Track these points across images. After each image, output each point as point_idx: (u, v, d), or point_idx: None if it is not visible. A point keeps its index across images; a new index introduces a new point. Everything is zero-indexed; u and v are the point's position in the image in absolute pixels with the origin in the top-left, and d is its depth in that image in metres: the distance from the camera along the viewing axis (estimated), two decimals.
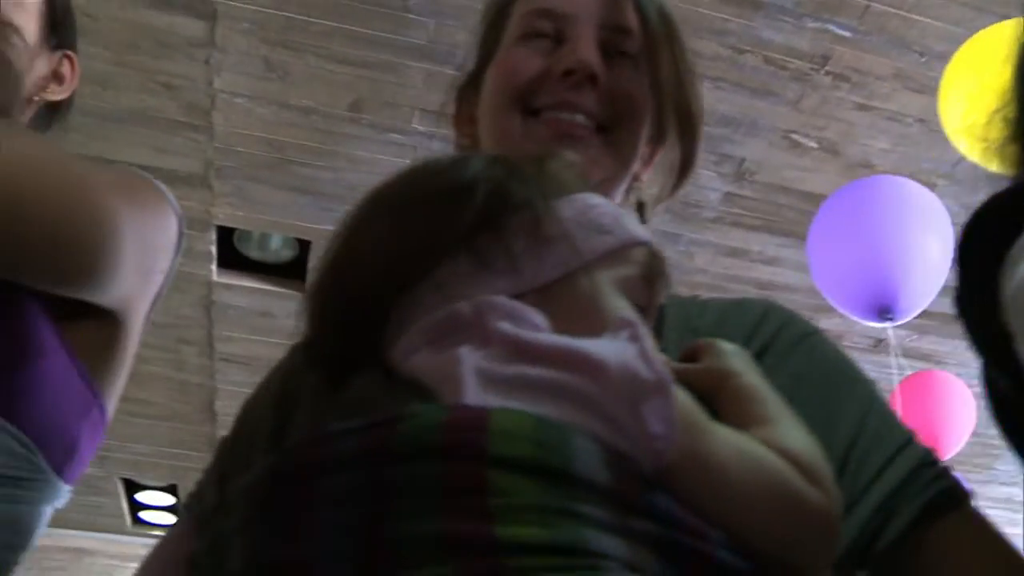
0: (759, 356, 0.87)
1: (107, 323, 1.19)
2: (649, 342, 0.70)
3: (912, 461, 0.90)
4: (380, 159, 3.83)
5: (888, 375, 4.04)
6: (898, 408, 3.65)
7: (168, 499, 6.20)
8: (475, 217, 0.77)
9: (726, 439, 0.70)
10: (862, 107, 3.60)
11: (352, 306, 0.79)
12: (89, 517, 6.23)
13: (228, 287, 4.48)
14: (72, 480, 1.20)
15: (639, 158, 1.11)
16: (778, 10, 3.29)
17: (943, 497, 0.88)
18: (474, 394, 0.67)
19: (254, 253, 4.44)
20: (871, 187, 3.36)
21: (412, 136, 3.75)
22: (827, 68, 3.46)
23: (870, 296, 3.19)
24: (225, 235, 4.29)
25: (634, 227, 0.83)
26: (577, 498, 0.61)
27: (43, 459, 1.13)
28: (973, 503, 0.91)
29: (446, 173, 0.81)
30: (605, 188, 1.03)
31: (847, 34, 3.36)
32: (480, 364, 0.69)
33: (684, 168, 1.15)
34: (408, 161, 3.75)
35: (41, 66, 1.33)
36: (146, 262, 1.20)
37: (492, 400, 0.67)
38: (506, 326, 0.72)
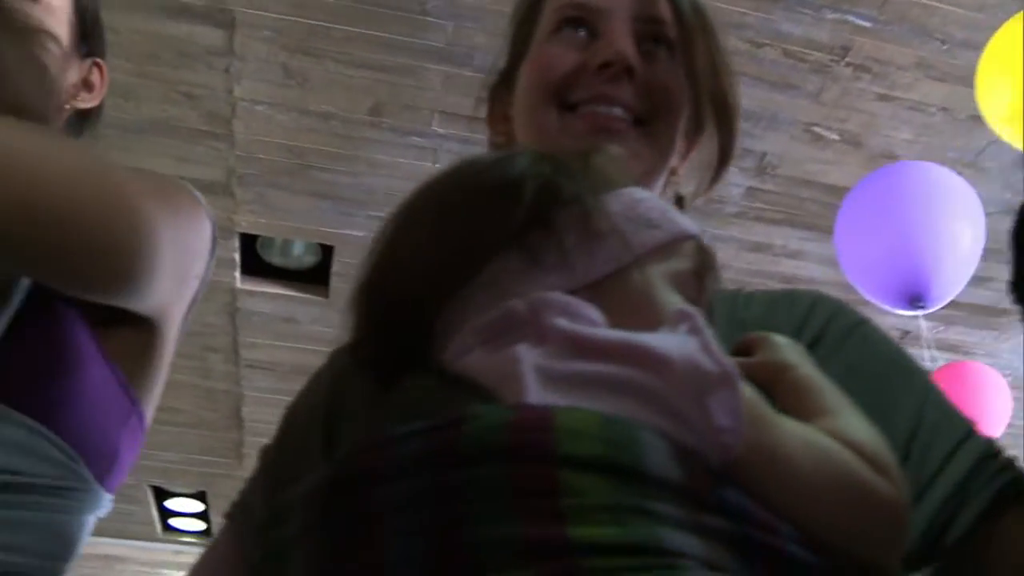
0: (810, 348, 0.86)
1: (144, 330, 1.19)
2: (710, 334, 0.69)
3: (975, 453, 0.88)
4: (400, 162, 3.83)
5: None
6: None
7: (197, 506, 6.23)
8: (525, 214, 0.76)
9: (792, 431, 0.69)
10: (884, 97, 3.58)
11: (399, 307, 0.78)
12: (120, 524, 6.25)
13: (252, 294, 4.49)
14: (113, 488, 1.20)
15: (676, 151, 1.11)
16: (797, 2, 3.28)
17: (1010, 488, 0.87)
18: (536, 393, 0.66)
19: (277, 259, 4.45)
20: (898, 173, 3.32)
21: (432, 138, 3.75)
22: (847, 59, 3.45)
23: (901, 284, 3.14)
24: (248, 242, 4.30)
25: (682, 221, 0.82)
26: (649, 496, 0.60)
27: (84, 468, 1.13)
28: None
29: (492, 171, 0.80)
30: (644, 182, 1.02)
31: (867, 24, 3.34)
32: (539, 362, 0.69)
33: (722, 161, 1.14)
34: (429, 163, 3.78)
35: (72, 74, 1.34)
36: (182, 268, 1.20)
37: (554, 398, 0.66)
38: (563, 322, 0.71)
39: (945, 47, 3.39)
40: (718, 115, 1.13)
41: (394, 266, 0.80)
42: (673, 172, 1.13)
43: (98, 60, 1.41)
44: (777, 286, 4.49)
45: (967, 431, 0.91)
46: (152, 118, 3.63)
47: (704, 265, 0.82)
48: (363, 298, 0.81)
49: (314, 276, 4.49)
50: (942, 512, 0.85)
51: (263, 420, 5.23)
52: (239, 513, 1.03)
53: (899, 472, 0.70)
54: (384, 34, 3.39)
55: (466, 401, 0.67)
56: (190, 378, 4.89)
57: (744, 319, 0.98)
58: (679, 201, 1.15)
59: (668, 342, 0.68)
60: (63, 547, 1.14)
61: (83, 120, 1.40)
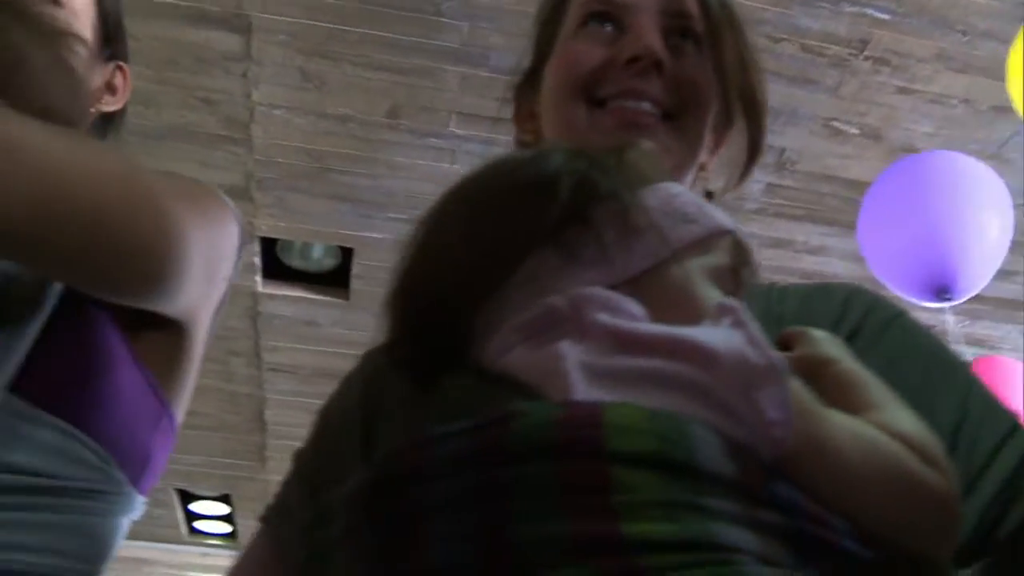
0: (848, 341, 0.85)
1: (173, 332, 1.20)
2: (755, 327, 0.69)
3: (1022, 447, 0.87)
4: (419, 164, 3.84)
5: None
6: None
7: (222, 508, 6.25)
8: (562, 210, 0.75)
9: (840, 423, 0.68)
10: (903, 90, 3.56)
11: (435, 307, 0.78)
12: (147, 527, 6.28)
13: (273, 297, 4.50)
14: (146, 491, 1.20)
15: (705, 147, 1.10)
16: None
17: None
18: (582, 389, 0.66)
19: (297, 263, 4.45)
20: (923, 163, 3.28)
21: (450, 139, 3.75)
22: (866, 52, 3.43)
23: (927, 276, 3.10)
24: (268, 246, 4.31)
25: (718, 215, 0.82)
26: (702, 491, 0.59)
27: (117, 470, 1.13)
28: None
29: (526, 168, 0.80)
30: (673, 177, 1.02)
31: (886, 16, 3.32)
32: (583, 358, 0.68)
33: (751, 156, 1.14)
34: (447, 164, 3.79)
35: (96, 77, 1.35)
36: (211, 270, 1.20)
37: (600, 394, 0.65)
38: (605, 317, 0.70)
39: (966, 38, 3.36)
40: (747, 110, 1.12)
41: (429, 266, 0.79)
42: (702, 168, 1.12)
43: (121, 63, 1.42)
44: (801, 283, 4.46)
45: (1012, 425, 0.90)
46: (171, 124, 3.64)
47: (741, 260, 0.81)
48: (398, 299, 0.81)
49: (334, 279, 4.50)
50: (992, 507, 0.84)
51: (286, 423, 5.25)
52: (275, 516, 1.03)
53: (948, 464, 0.70)
54: (400, 36, 3.39)
55: (509, 399, 0.67)
56: (213, 382, 4.90)
57: (781, 313, 0.98)
58: (708, 197, 1.14)
59: (713, 336, 0.68)
60: (97, 549, 1.14)
61: (107, 123, 1.41)
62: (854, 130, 3.71)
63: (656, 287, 0.75)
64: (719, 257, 0.80)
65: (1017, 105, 2.88)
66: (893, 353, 0.92)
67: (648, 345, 0.68)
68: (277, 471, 5.73)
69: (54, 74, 1.12)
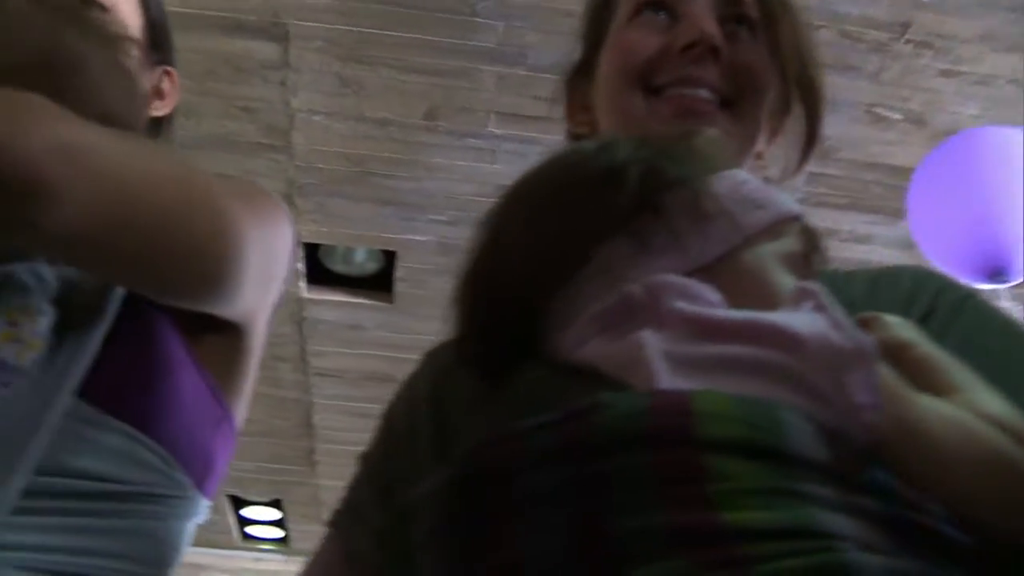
0: (921, 324, 0.84)
1: (231, 335, 1.20)
2: (838, 311, 0.68)
3: None
4: (458, 165, 3.84)
5: None
6: None
7: (274, 513, 6.29)
8: (632, 199, 0.75)
9: (930, 406, 0.67)
10: (947, 73, 3.52)
11: (506, 301, 0.78)
12: (201, 533, 6.26)
13: (317, 303, 4.52)
14: (210, 494, 1.21)
15: (762, 135, 1.09)
16: None
17: None
18: (666, 378, 0.65)
19: (339, 267, 4.47)
20: (971, 141, 3.19)
21: (489, 139, 3.75)
22: (907, 36, 3.39)
23: (980, 258, 3.02)
24: (311, 251, 4.33)
25: (786, 201, 0.81)
26: (798, 477, 0.58)
27: (182, 474, 1.14)
28: None
29: (594, 159, 0.80)
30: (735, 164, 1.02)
31: None
32: (665, 346, 0.68)
33: (809, 144, 1.13)
34: (487, 164, 3.79)
35: (145, 82, 1.35)
36: (267, 271, 1.20)
37: (685, 383, 0.65)
38: (683, 305, 0.70)
39: (1013, 15, 3.31)
40: (804, 96, 1.11)
41: (498, 261, 0.79)
42: (759, 156, 1.11)
43: (168, 68, 1.43)
44: None
45: None
46: (212, 134, 3.66)
47: (811, 245, 0.81)
48: (467, 293, 0.81)
49: (377, 282, 4.51)
50: None
51: (333, 427, 5.27)
52: (345, 519, 1.03)
53: None
54: (435, 38, 3.39)
55: (591, 391, 0.66)
56: (261, 388, 4.89)
57: (851, 299, 0.95)
58: None
59: (796, 320, 0.67)
60: (164, 554, 1.15)
61: (156, 128, 1.41)
62: (897, 116, 3.67)
63: (729, 273, 0.75)
64: (790, 243, 0.79)
65: None
66: (968, 334, 0.90)
67: (729, 331, 0.67)
68: (327, 475, 5.76)
69: (112, 78, 1.13)
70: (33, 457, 1.02)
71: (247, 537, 6.58)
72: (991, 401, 0.70)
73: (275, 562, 6.72)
